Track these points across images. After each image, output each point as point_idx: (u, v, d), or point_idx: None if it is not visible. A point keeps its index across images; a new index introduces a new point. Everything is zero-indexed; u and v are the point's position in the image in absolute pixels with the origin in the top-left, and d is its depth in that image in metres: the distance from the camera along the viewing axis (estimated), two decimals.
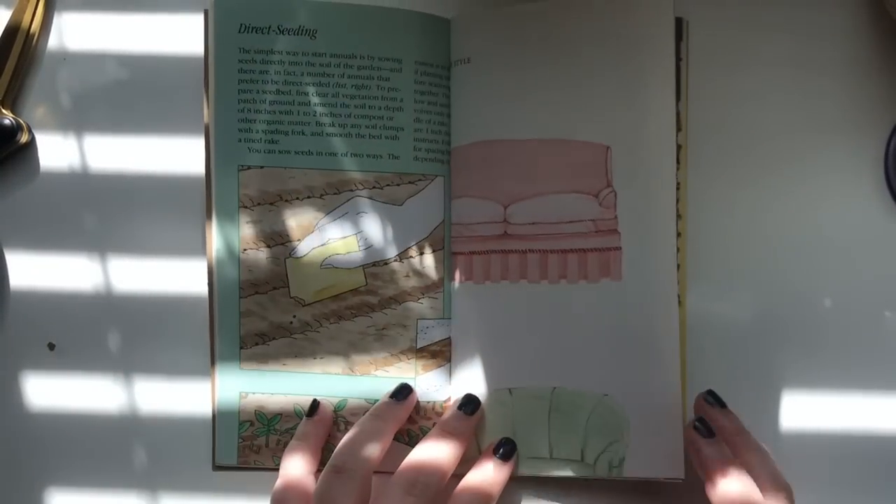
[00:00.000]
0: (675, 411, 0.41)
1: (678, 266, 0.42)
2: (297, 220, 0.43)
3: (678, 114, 0.42)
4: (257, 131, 0.43)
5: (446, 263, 0.43)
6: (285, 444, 0.42)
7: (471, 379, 0.43)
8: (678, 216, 0.42)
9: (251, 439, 0.43)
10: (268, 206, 0.43)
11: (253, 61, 0.43)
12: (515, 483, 0.42)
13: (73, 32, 0.46)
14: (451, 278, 0.43)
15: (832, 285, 0.43)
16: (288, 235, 0.43)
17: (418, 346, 0.43)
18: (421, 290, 0.43)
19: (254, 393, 0.43)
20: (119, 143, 0.45)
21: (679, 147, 0.42)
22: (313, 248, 0.43)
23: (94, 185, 0.45)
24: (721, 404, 0.40)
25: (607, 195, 0.42)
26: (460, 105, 0.44)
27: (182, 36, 0.45)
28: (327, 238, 0.43)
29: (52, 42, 0.46)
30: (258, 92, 0.43)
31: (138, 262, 0.45)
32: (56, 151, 0.45)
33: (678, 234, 0.42)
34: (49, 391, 0.45)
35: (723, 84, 0.44)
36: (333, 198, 0.43)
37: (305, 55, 0.43)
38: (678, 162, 0.42)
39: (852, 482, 0.42)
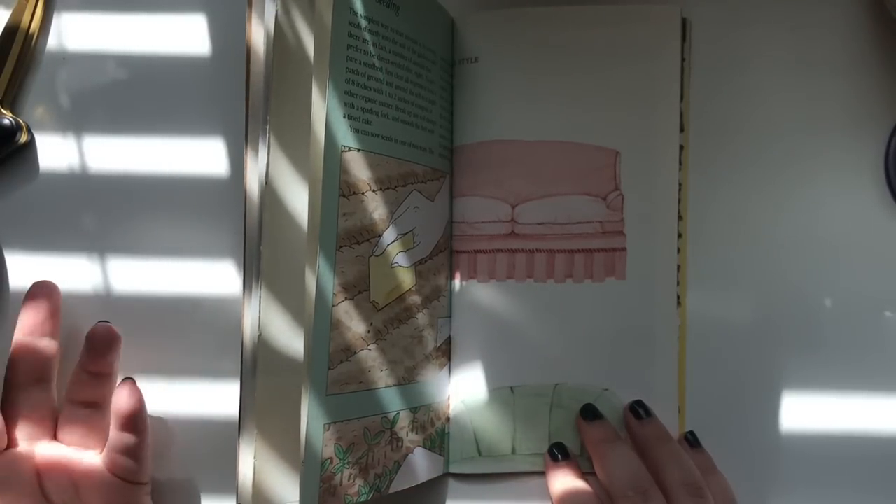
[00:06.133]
0: (671, 406, 0.41)
1: (678, 266, 0.42)
2: (378, 213, 0.39)
3: (681, 114, 0.42)
4: (357, 108, 0.38)
5: (450, 262, 0.43)
6: (355, 478, 0.38)
7: (472, 377, 0.42)
8: (679, 217, 0.42)
9: (329, 480, 0.37)
10: (360, 195, 0.38)
11: (358, 26, 0.38)
12: (516, 479, 0.42)
13: (72, 32, 0.46)
14: (452, 277, 0.43)
15: (832, 285, 0.43)
16: (373, 230, 0.38)
17: (438, 345, 0.42)
18: (440, 289, 0.42)
19: (335, 422, 0.37)
20: (118, 143, 0.45)
21: (681, 148, 0.42)
22: (388, 245, 0.39)
23: (94, 185, 0.45)
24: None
25: (615, 198, 0.42)
26: (466, 103, 0.43)
27: (182, 36, 0.45)
28: (396, 234, 0.40)
29: (52, 42, 0.46)
30: (360, 63, 0.38)
31: (138, 262, 0.45)
32: (56, 151, 0.45)
33: (679, 235, 0.42)
34: None
35: (723, 84, 0.44)
36: (402, 190, 0.40)
37: (392, 31, 0.39)
38: (680, 163, 0.42)
39: (852, 482, 0.42)
